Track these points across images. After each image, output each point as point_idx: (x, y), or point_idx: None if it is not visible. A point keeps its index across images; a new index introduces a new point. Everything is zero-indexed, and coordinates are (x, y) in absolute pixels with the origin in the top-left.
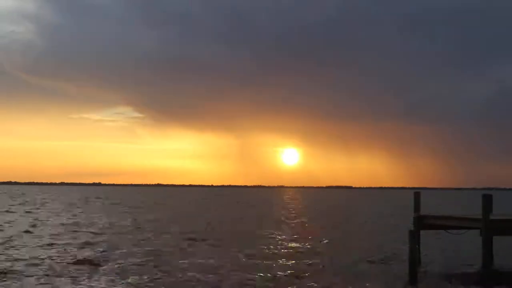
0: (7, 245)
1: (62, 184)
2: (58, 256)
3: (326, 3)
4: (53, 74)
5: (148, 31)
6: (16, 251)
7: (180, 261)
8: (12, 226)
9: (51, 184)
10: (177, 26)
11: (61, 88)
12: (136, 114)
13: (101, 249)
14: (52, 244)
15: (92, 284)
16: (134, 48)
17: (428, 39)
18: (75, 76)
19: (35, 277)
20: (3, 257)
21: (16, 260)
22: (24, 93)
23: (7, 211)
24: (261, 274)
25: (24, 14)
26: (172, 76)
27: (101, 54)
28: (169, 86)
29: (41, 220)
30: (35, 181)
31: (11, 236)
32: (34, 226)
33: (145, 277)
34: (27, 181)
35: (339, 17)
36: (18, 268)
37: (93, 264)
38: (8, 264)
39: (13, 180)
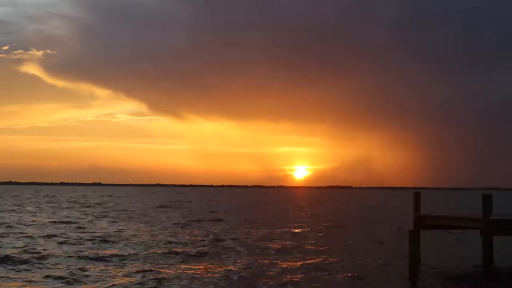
0: None
1: (62, 184)
2: None
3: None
4: (65, 74)
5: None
6: None
7: None
8: None
9: (51, 184)
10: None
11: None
12: (137, 113)
13: None
14: None
15: None
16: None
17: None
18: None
19: None
20: None
21: None
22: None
23: None
24: None
25: (50, 11)
26: (185, 78)
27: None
28: (178, 87)
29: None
30: (35, 181)
31: None
32: None
33: None
34: (27, 181)
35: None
36: None
37: None
38: None
39: (13, 180)
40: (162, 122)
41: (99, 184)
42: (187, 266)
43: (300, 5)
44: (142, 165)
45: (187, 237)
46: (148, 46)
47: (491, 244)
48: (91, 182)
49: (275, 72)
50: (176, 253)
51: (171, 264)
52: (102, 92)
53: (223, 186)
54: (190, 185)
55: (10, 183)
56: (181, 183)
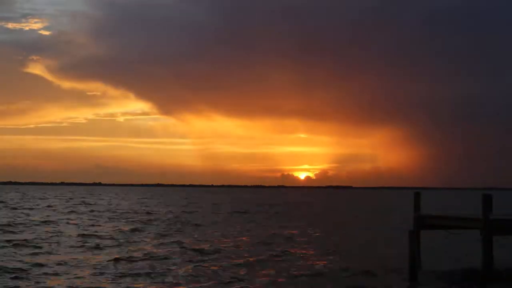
0: None
1: (62, 184)
2: None
3: None
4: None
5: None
6: None
7: None
8: None
9: (51, 184)
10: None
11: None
12: (142, 112)
13: None
14: None
15: None
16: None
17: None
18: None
19: None
20: None
21: None
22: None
23: None
24: None
25: (59, 9)
26: (191, 79)
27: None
28: (184, 87)
29: None
30: (35, 181)
31: None
32: None
33: None
34: (27, 181)
35: None
36: None
37: None
38: None
39: (13, 180)
40: (164, 122)
41: (99, 184)
42: None
43: (311, 7)
44: (143, 165)
45: None
46: (157, 46)
47: (491, 244)
48: (92, 182)
49: (280, 73)
50: None
51: None
52: (111, 92)
53: (223, 186)
54: (190, 185)
55: (10, 183)
56: (181, 183)
